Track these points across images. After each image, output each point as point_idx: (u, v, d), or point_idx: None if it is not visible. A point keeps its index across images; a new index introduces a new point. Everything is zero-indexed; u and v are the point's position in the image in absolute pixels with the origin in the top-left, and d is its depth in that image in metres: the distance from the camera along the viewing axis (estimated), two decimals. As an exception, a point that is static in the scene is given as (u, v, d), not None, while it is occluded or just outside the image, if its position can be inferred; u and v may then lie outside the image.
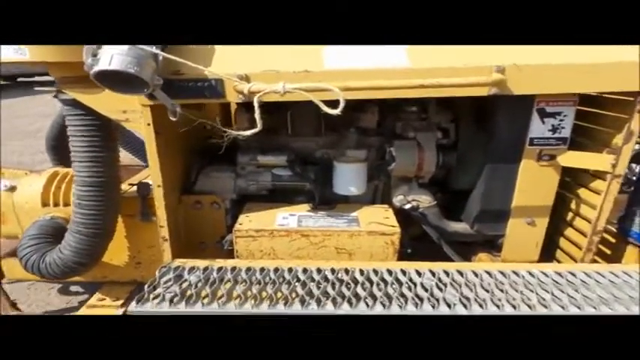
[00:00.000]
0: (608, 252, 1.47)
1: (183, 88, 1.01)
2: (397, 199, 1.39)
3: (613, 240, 1.46)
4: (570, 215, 1.38)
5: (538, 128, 1.20)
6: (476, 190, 1.36)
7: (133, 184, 1.46)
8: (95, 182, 1.19)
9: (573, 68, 1.06)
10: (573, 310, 0.93)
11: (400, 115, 1.35)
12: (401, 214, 1.38)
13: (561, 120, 1.19)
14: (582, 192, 1.32)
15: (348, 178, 1.33)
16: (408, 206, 1.37)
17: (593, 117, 1.25)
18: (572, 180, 1.36)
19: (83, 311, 1.44)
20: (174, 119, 0.98)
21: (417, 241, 1.44)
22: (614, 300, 0.97)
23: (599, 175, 1.24)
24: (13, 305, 1.59)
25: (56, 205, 1.50)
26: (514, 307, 0.94)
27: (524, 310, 0.93)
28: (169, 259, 1.26)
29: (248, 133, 0.93)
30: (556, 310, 0.93)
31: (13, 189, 1.54)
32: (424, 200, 1.39)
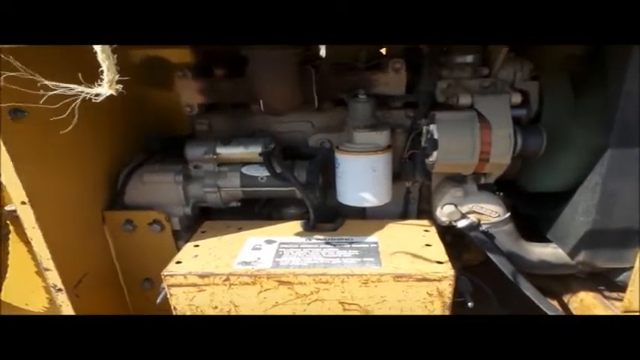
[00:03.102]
0: None
1: None
2: (445, 212, 0.84)
3: None
4: None
5: None
6: (581, 194, 0.80)
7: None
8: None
9: None
10: None
11: (444, 70, 0.81)
12: (449, 234, 0.85)
13: None
14: None
15: (360, 178, 0.81)
16: (462, 223, 0.83)
17: None
18: None
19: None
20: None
21: (475, 272, 0.89)
22: None
23: None
24: None
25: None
26: None
27: None
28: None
29: (97, 90, 0.41)
30: None
31: None
32: (489, 212, 0.84)
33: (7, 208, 0.84)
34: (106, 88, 0.40)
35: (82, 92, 0.41)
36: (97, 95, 0.41)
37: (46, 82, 0.42)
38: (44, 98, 0.45)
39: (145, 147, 1.00)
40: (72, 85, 0.41)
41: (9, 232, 0.93)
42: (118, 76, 0.41)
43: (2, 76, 0.51)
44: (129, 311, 1.01)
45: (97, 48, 0.41)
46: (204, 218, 0.96)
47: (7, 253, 0.90)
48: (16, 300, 1.03)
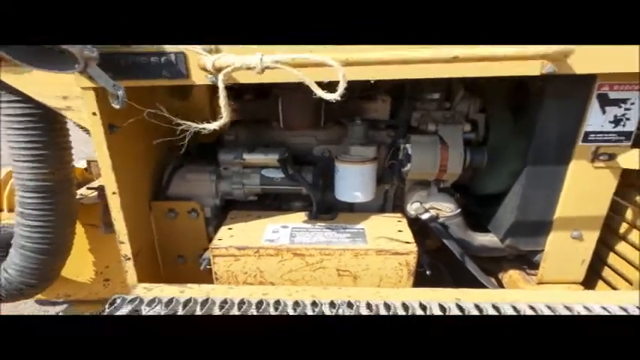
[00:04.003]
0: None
1: (133, 66, 0.76)
2: (412, 207, 1.14)
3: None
4: (625, 228, 1.12)
5: (596, 119, 0.94)
6: (510, 196, 1.11)
7: (91, 188, 1.23)
8: (40, 187, 0.97)
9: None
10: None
11: (418, 103, 1.10)
12: (416, 225, 1.14)
13: (627, 109, 0.92)
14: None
15: (353, 181, 1.09)
16: (425, 216, 1.12)
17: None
18: (629, 185, 1.09)
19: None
20: (117, 107, 0.73)
21: (434, 256, 1.20)
22: None
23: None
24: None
25: (11, 210, 1.28)
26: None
27: None
28: (134, 282, 1.03)
29: (212, 126, 0.68)
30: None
31: (-37, 192, 1.32)
32: (445, 208, 1.14)
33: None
34: (216, 126, 0.66)
35: (197, 127, 0.67)
36: (204, 128, 0.67)
37: (179, 120, 0.67)
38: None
39: (184, 151, 1.24)
40: (190, 123, 0.67)
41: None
42: (229, 119, 0.66)
43: (145, 113, 0.74)
44: (162, 280, 1.26)
45: (222, 95, 0.64)
46: (228, 209, 1.22)
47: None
48: (69, 273, 1.26)
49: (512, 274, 1.23)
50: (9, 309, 1.93)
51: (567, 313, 0.82)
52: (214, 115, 1.15)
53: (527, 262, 1.21)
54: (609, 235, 1.15)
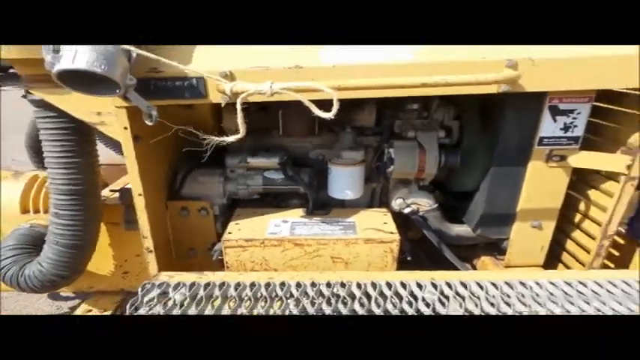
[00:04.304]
0: (617, 254, 1.40)
1: (162, 89, 0.92)
2: (396, 203, 1.31)
3: (622, 242, 1.39)
4: (579, 218, 1.31)
5: (549, 127, 1.11)
6: (479, 192, 1.28)
7: (114, 190, 1.37)
8: (72, 190, 1.11)
9: (593, 62, 0.96)
10: (588, 328, 0.85)
11: (399, 113, 1.27)
12: (400, 218, 1.31)
13: (574, 118, 1.10)
14: (592, 193, 1.25)
15: (344, 181, 1.25)
16: (407, 210, 1.29)
17: (608, 114, 1.17)
18: (581, 181, 1.28)
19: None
20: (150, 124, 0.89)
21: (416, 245, 1.37)
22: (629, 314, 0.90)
23: (611, 176, 1.17)
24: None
25: (36, 211, 1.42)
26: (524, 324, 0.86)
27: (534, 328, 0.86)
28: (155, 271, 1.19)
29: (231, 139, 0.84)
30: (569, 328, 0.86)
31: (-11, 195, 1.46)
32: (424, 203, 1.31)
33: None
34: (234, 139, 0.81)
35: (218, 140, 0.82)
36: (223, 141, 0.83)
37: (203, 135, 0.83)
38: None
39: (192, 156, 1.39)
40: (212, 137, 0.83)
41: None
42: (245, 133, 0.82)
43: (174, 129, 0.89)
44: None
45: (239, 115, 0.80)
46: (234, 207, 1.37)
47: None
48: (92, 267, 1.40)
49: (484, 260, 1.41)
50: (18, 306, 2.06)
51: (522, 287, 1.00)
52: (215, 121, 1.31)
53: (497, 249, 1.38)
54: (566, 224, 1.34)
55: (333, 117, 0.78)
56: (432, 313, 0.90)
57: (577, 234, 1.32)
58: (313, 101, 0.83)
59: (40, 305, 2.06)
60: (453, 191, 1.40)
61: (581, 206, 1.29)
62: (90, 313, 1.40)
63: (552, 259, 1.37)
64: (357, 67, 0.92)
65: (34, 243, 1.30)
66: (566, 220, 1.32)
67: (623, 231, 1.36)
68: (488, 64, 0.92)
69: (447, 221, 1.37)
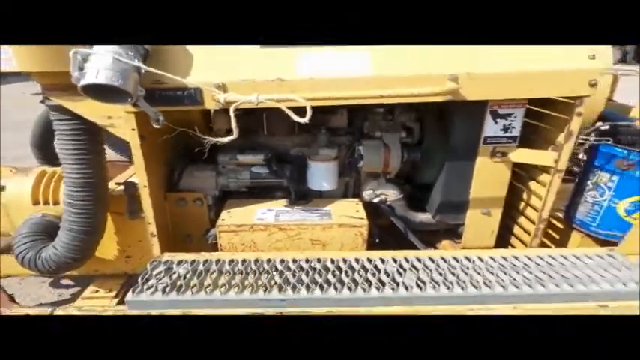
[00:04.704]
0: (557, 237, 1.64)
1: (165, 97, 1.10)
2: (366, 194, 1.51)
3: (561, 226, 1.62)
4: (522, 205, 1.53)
5: (491, 128, 1.32)
6: (437, 184, 1.49)
7: (119, 184, 1.54)
8: (84, 183, 1.28)
9: (521, 76, 1.18)
10: (512, 290, 1.07)
11: (368, 115, 1.47)
12: (370, 207, 1.51)
13: (512, 120, 1.32)
14: (532, 184, 1.47)
15: (321, 175, 1.45)
16: (376, 200, 1.50)
17: (541, 117, 1.39)
18: (524, 174, 1.50)
19: (79, 303, 1.54)
20: (157, 127, 1.07)
21: (385, 231, 1.58)
22: (549, 279, 1.12)
23: (545, 169, 1.39)
24: (12, 299, 1.67)
25: (46, 203, 1.57)
26: (462, 288, 1.08)
27: (471, 292, 1.07)
28: (158, 253, 1.36)
29: (225, 140, 1.03)
30: (498, 291, 1.07)
31: (2, 188, 1.61)
32: (391, 194, 1.52)
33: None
34: (228, 140, 1.00)
35: (214, 140, 1.01)
36: (218, 141, 1.02)
37: (201, 136, 1.02)
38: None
39: (186, 153, 1.57)
40: (209, 138, 1.01)
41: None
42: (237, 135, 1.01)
43: (177, 130, 1.08)
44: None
45: (232, 120, 1.00)
46: (225, 198, 1.56)
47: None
48: (98, 252, 1.56)
49: (444, 243, 1.63)
50: (22, 293, 2.19)
51: (466, 260, 1.21)
52: (204, 122, 1.49)
53: (455, 234, 1.60)
54: (512, 211, 1.56)
55: (307, 122, 0.98)
56: (392, 282, 1.10)
57: (521, 220, 1.54)
58: (292, 108, 1.02)
59: (43, 292, 2.21)
60: (417, 184, 1.61)
61: (524, 196, 1.51)
62: (97, 294, 1.57)
63: (503, 242, 1.60)
64: (327, 80, 1.12)
65: (45, 231, 1.46)
66: (512, 208, 1.55)
67: (562, 217, 1.60)
68: (434, 77, 1.12)
69: (411, 210, 1.58)
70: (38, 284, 2.26)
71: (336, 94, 1.04)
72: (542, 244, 1.51)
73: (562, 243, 1.61)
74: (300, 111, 1.02)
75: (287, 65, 1.14)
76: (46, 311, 1.10)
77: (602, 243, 1.46)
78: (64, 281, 2.26)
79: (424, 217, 1.58)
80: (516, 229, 1.57)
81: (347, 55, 1.14)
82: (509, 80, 1.18)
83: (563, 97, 1.25)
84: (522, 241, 1.53)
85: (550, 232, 1.66)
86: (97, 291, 1.59)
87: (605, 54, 1.18)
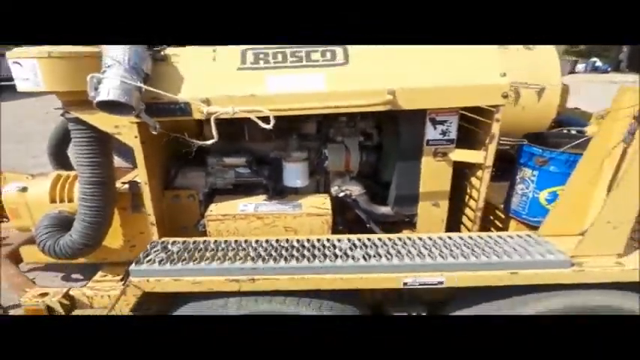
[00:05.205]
0: (500, 225, 1.90)
1: (161, 110, 1.39)
2: (333, 189, 1.78)
3: (503, 216, 1.88)
4: (466, 198, 1.80)
5: (431, 132, 1.60)
6: (393, 181, 1.77)
7: (124, 183, 1.82)
8: (96, 181, 1.56)
9: (449, 90, 1.46)
10: (439, 261, 1.33)
11: (333, 123, 1.75)
12: (338, 202, 1.78)
13: (448, 126, 1.60)
14: (473, 180, 1.74)
15: (294, 174, 1.72)
16: (342, 194, 1.77)
17: (477, 123, 1.67)
18: (468, 171, 1.77)
19: (90, 285, 1.81)
20: (154, 133, 1.36)
21: (353, 223, 1.84)
22: (471, 253, 1.38)
23: (479, 166, 1.66)
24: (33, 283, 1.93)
25: (62, 201, 1.85)
26: (399, 259, 1.34)
27: (407, 261, 1.33)
28: (157, 238, 1.63)
29: (208, 142, 1.31)
30: (428, 261, 1.33)
31: (24, 189, 1.89)
32: (355, 189, 1.79)
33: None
34: (210, 143, 1.28)
35: (199, 143, 1.29)
36: (204, 144, 1.30)
37: (189, 139, 1.30)
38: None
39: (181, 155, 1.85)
40: (195, 141, 1.30)
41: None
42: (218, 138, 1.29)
43: (172, 136, 1.37)
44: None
45: (213, 127, 1.29)
46: (214, 194, 1.83)
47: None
48: (106, 242, 1.83)
49: (403, 232, 1.89)
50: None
51: (409, 240, 1.47)
52: (198, 128, 1.77)
53: (411, 224, 1.87)
54: (459, 203, 1.83)
55: (271, 127, 1.26)
56: (344, 255, 1.37)
57: (466, 210, 1.81)
58: (261, 117, 1.31)
59: (55, 285, 2.47)
60: (379, 181, 1.88)
61: (467, 189, 1.78)
62: (105, 278, 1.84)
63: (453, 230, 1.86)
64: (289, 95, 1.41)
65: (61, 223, 1.73)
66: (458, 200, 1.81)
67: (502, 207, 1.87)
68: (376, 91, 1.41)
69: (374, 203, 1.85)
70: (50, 279, 2.52)
71: (297, 105, 1.33)
72: (486, 230, 1.77)
73: (503, 230, 1.87)
74: (267, 120, 1.30)
75: (259, 83, 1.43)
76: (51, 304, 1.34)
77: (534, 228, 1.72)
78: (74, 275, 2.53)
79: (385, 209, 1.85)
80: (463, 218, 1.84)
81: (306, 76, 1.43)
82: (440, 93, 1.47)
83: (487, 106, 1.53)
84: (468, 228, 1.80)
85: (495, 221, 1.93)
86: (105, 275, 1.86)
87: (554, 68, 1.45)
